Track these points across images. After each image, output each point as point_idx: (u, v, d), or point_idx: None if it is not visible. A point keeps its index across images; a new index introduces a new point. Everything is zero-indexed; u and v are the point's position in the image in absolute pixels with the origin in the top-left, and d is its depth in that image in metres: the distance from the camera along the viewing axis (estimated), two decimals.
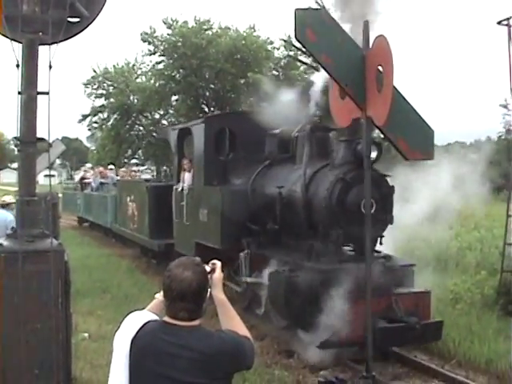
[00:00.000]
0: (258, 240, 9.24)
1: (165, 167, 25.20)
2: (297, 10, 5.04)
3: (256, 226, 9.28)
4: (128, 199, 15.60)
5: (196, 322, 2.75)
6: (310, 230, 8.12)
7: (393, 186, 8.01)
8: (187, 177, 11.55)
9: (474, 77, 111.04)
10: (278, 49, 23.59)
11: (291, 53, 21.14)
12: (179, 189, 11.45)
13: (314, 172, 8.23)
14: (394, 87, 5.50)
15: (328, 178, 7.88)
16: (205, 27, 23.51)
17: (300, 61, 19.99)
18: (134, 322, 2.84)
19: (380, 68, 5.25)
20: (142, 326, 2.78)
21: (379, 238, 7.94)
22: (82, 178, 23.20)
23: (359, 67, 5.25)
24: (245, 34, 23.02)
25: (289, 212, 8.48)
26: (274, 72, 23.72)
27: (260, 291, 8.89)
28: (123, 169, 21.95)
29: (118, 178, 20.54)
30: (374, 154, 7.78)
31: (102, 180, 20.76)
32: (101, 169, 22.54)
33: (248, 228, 9.43)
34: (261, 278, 8.67)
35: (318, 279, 7.29)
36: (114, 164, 22.72)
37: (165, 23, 22.98)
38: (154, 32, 23.39)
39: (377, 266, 7.51)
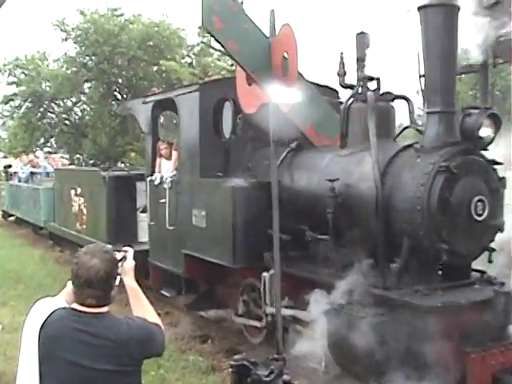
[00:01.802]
0: (287, 255, 6.57)
1: (77, 155, 25.16)
2: None
3: (285, 235, 6.58)
4: (72, 193, 12.50)
5: (104, 309, 2.81)
6: (387, 243, 5.51)
7: (504, 178, 5.54)
8: (165, 165, 8.68)
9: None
10: (192, 35, 23.84)
11: (204, 39, 21.34)
12: (156, 181, 8.56)
13: (390, 158, 5.61)
14: (299, 73, 5.88)
15: (420, 168, 5.29)
16: (117, 13, 23.40)
17: (213, 47, 20.12)
18: (42, 309, 2.92)
19: (285, 55, 5.20)
20: (51, 314, 2.81)
21: (488, 253, 5.48)
22: (7, 167, 19.70)
23: (265, 54, 5.25)
24: (157, 21, 23.07)
25: (348, 216, 5.84)
26: (187, 59, 23.97)
27: (295, 329, 6.25)
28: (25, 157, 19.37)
29: (51, 167, 17.37)
30: (488, 132, 5.31)
31: (33, 169, 17.42)
32: (31, 157, 19.14)
33: (270, 238, 6.73)
34: (303, 310, 6.02)
35: (428, 325, 4.72)
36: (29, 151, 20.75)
37: (78, 11, 22.98)
38: (65, 19, 23.11)
39: (499, 298, 5.03)
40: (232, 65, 16.78)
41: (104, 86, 23.30)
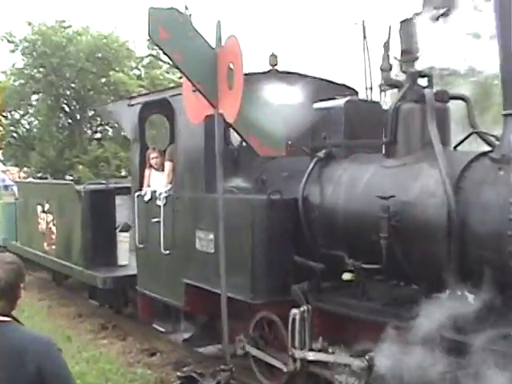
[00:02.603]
0: (318, 286, 5.46)
1: (25, 168, 24.24)
2: (150, 8, 5.04)
3: (316, 263, 5.45)
4: (39, 209, 11.10)
5: (7, 318, 2.81)
6: (459, 274, 4.43)
7: None
8: (156, 178, 7.45)
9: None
10: (141, 47, 23.76)
11: (153, 52, 21.33)
12: (146, 196, 7.32)
13: (461, 171, 4.54)
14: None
15: (505, 182, 4.23)
16: (65, 25, 23.20)
17: (161, 60, 20.17)
18: None
19: (231, 65, 5.22)
20: None
21: None
22: None
23: (211, 65, 5.31)
24: (106, 34, 22.97)
25: (406, 241, 4.74)
26: (136, 71, 23.80)
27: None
28: None
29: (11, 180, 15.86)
30: None
31: None
32: None
33: (297, 266, 5.60)
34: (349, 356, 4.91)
35: None
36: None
37: (26, 23, 22.57)
38: (12, 31, 22.72)
39: None
40: (180, 77, 16.02)
41: (52, 98, 22.96)
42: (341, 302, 5.26)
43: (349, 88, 7.24)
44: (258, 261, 5.55)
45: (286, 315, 5.71)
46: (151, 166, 7.53)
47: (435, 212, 4.50)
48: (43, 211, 10.86)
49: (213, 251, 6.05)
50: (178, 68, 5.52)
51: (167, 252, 6.82)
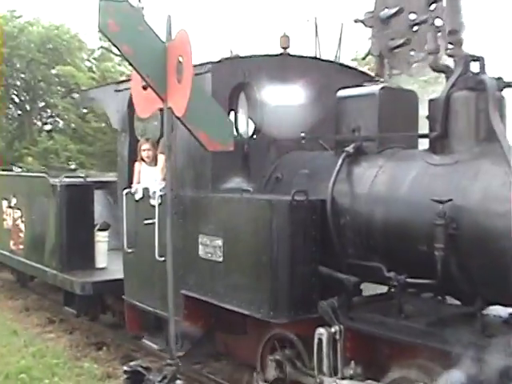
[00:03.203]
0: (350, 303, 4.71)
1: None
2: (101, 1, 4.95)
3: (348, 276, 4.70)
4: (4, 204, 10.11)
5: None
6: None
7: None
8: (148, 173, 6.59)
9: None
10: (93, 39, 23.59)
11: (105, 44, 20.96)
12: (137, 195, 6.44)
13: None
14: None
15: None
16: (16, 15, 23.04)
17: (113, 52, 19.88)
18: None
19: (180, 59, 5.13)
20: None
21: None
22: None
23: (161, 59, 5.23)
24: (57, 24, 22.98)
25: (467, 252, 4.03)
26: (88, 63, 23.74)
27: None
28: None
29: None
30: None
31: None
32: None
33: (324, 279, 4.85)
34: None
35: None
36: None
37: None
38: None
39: None
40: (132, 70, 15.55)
41: (1, 89, 22.36)
42: (376, 321, 4.52)
43: (364, 74, 6.49)
44: (280, 272, 4.76)
45: (306, 334, 4.97)
46: (142, 160, 6.66)
47: (502, 220, 3.78)
48: (9, 206, 9.85)
49: (221, 260, 5.24)
50: (127, 60, 5.43)
51: (162, 259, 5.96)
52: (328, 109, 5.72)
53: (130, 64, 5.36)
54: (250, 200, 4.99)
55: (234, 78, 5.49)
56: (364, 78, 6.35)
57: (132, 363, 5.71)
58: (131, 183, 6.65)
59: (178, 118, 5.26)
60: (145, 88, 5.55)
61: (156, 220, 5.98)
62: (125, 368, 5.59)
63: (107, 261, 8.14)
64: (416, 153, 4.71)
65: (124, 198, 6.55)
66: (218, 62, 5.48)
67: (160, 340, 6.38)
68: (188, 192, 5.68)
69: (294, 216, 4.75)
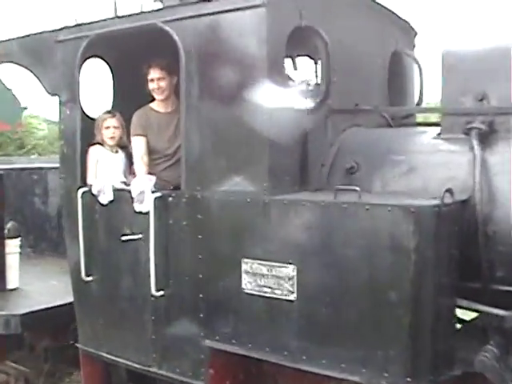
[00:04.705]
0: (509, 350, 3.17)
1: None
2: None
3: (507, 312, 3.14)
4: None
5: None
6: None
7: None
8: (111, 162, 4.49)
9: None
10: None
11: None
12: (105, 196, 4.27)
13: None
14: None
15: None
16: None
17: None
18: None
19: None
20: None
21: None
22: None
23: None
24: None
25: None
26: None
27: None
28: None
29: None
30: None
31: None
32: None
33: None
34: None
35: None
36: None
37: None
38: None
39: None
40: None
41: None
42: None
43: (408, 25, 4.92)
44: (422, 316, 3.06)
45: None
46: (103, 144, 4.49)
47: None
48: None
49: (292, 298, 3.38)
50: None
51: (160, 293, 3.93)
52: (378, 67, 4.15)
53: None
54: (358, 206, 3.18)
55: (292, 19, 3.58)
56: (409, 34, 4.83)
57: None
58: (84, 178, 4.45)
59: None
60: None
61: (151, 235, 3.89)
62: None
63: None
64: None
65: (79, 200, 4.32)
66: None
67: None
68: (217, 192, 3.69)
69: (441, 229, 3.06)
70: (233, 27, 3.51)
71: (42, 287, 5.69)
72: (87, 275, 4.38)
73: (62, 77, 4.49)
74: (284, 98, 3.54)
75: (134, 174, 4.63)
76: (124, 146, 4.68)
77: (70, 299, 4.94)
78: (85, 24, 4.31)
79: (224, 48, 3.57)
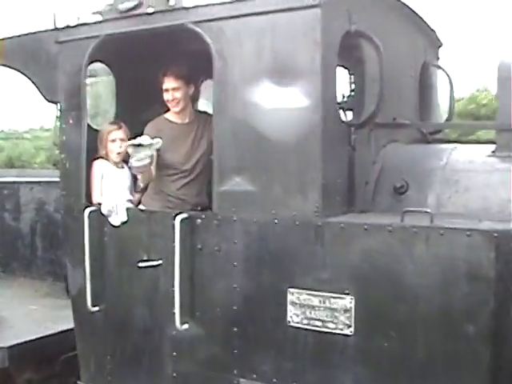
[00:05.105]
0: None
1: None
2: None
3: None
4: None
5: None
6: None
7: None
8: (118, 178, 4.05)
9: None
10: None
11: None
12: (116, 216, 3.80)
13: None
14: None
15: None
16: None
17: None
18: None
19: None
20: None
21: None
22: None
23: None
24: None
25: None
26: None
27: None
28: None
29: None
30: None
31: None
32: None
33: None
34: None
35: None
36: None
37: None
38: None
39: None
40: None
41: None
42: None
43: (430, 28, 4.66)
44: (505, 353, 2.76)
45: None
46: (103, 158, 4.03)
47: None
48: None
49: (349, 332, 3.02)
50: None
51: (184, 327, 3.50)
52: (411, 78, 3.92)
53: None
54: (431, 230, 2.85)
55: (343, 23, 3.24)
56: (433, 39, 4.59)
57: None
58: (89, 194, 3.98)
59: None
60: None
61: (176, 261, 3.46)
62: None
63: None
64: None
65: (86, 221, 3.83)
66: None
67: None
68: (258, 214, 3.29)
69: None
70: (282, 29, 3.14)
71: (21, 313, 5.20)
72: (93, 305, 3.89)
73: (63, 82, 4.00)
74: (337, 109, 3.20)
75: (139, 191, 4.22)
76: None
77: (58, 328, 4.52)
78: (92, 23, 3.84)
79: (270, 52, 3.19)
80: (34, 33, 4.10)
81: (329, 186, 3.16)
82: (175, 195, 3.97)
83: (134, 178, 4.23)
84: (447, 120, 4.51)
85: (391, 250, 2.94)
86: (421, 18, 4.25)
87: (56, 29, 4.01)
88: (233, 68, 3.32)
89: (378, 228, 2.97)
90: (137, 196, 4.20)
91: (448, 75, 4.37)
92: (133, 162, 3.72)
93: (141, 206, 4.04)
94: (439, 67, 4.41)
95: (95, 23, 3.84)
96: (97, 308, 3.91)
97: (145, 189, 4.18)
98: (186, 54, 4.04)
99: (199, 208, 3.96)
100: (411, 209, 3.01)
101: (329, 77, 3.15)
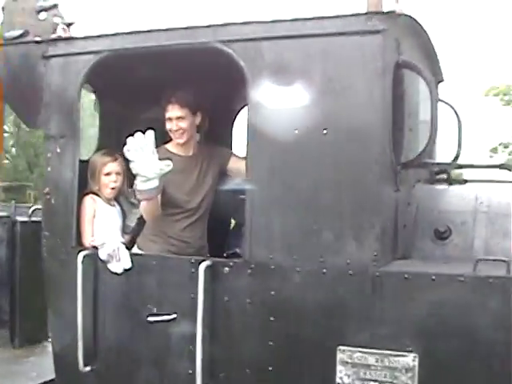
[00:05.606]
0: None
1: None
2: None
3: None
4: None
5: None
6: None
7: None
8: (111, 217, 3.54)
9: None
10: None
11: None
12: (118, 263, 3.27)
13: None
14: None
15: None
16: None
17: None
18: None
19: None
20: None
21: None
22: None
23: None
24: None
25: None
26: None
27: None
28: None
29: None
30: None
31: None
32: None
33: None
34: None
35: None
36: None
37: None
38: None
39: None
40: None
41: None
42: None
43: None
44: None
45: None
46: (94, 193, 3.51)
47: None
48: None
49: None
50: None
51: None
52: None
53: None
54: (510, 281, 2.61)
55: (393, 53, 2.97)
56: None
57: None
58: (80, 235, 3.43)
59: None
60: None
61: (199, 315, 2.99)
62: None
63: None
64: None
65: (79, 267, 3.27)
66: (387, 13, 2.86)
67: None
68: (301, 262, 2.91)
69: None
70: (338, 54, 2.82)
71: None
72: (85, 364, 3.31)
73: (50, 104, 3.44)
74: (392, 146, 2.91)
75: (128, 232, 3.72)
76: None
77: None
78: (95, 36, 3.34)
79: (322, 78, 2.86)
80: (13, 44, 3.52)
81: (386, 230, 2.85)
82: (179, 237, 3.51)
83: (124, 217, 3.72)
84: (455, 159, 4.35)
85: (463, 302, 2.67)
86: (431, 42, 4.07)
87: (41, 41, 3.46)
88: (274, 94, 2.96)
89: (447, 278, 2.69)
90: (126, 238, 3.69)
91: (456, 112, 4.22)
92: (138, 183, 3.19)
93: (136, 250, 3.53)
94: (445, 103, 4.25)
95: (98, 36, 3.34)
96: (88, 368, 3.33)
97: (137, 229, 3.69)
98: (190, 80, 3.62)
99: (205, 252, 3.54)
100: (484, 257, 2.76)
101: (386, 110, 2.86)
